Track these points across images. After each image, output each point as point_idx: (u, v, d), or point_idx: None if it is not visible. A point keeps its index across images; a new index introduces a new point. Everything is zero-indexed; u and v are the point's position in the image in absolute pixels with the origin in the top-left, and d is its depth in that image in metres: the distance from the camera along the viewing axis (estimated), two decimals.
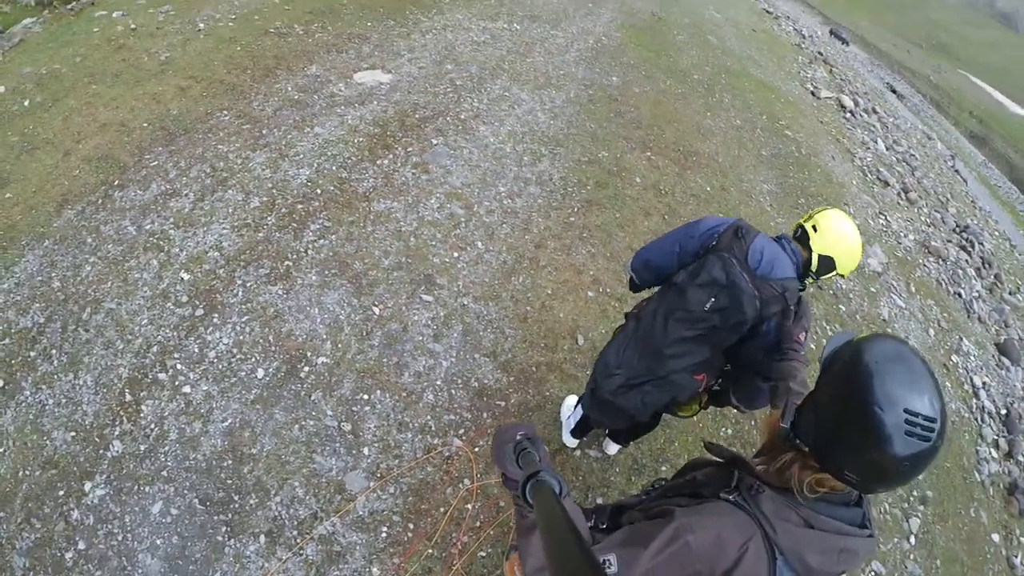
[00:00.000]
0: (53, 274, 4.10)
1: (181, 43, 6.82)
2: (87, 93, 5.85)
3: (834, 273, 2.69)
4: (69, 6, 8.07)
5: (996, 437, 6.99)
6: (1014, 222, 33.81)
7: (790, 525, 1.32)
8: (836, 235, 2.64)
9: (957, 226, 13.80)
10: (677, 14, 15.48)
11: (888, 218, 10.25)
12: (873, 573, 4.53)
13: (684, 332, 2.65)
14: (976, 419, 7.00)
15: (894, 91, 47.63)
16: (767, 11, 24.53)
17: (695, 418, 4.17)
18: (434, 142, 6.07)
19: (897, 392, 1.19)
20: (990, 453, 6.67)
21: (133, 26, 7.08)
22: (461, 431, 3.75)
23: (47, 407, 3.47)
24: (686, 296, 2.63)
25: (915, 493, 5.30)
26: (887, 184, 12.11)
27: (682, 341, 2.66)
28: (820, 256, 2.64)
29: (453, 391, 3.95)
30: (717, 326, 2.58)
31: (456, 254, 4.91)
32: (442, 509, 3.34)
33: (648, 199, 6.56)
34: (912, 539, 5.01)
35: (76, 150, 5.12)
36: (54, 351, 3.72)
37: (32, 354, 3.70)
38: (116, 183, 4.83)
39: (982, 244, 13.96)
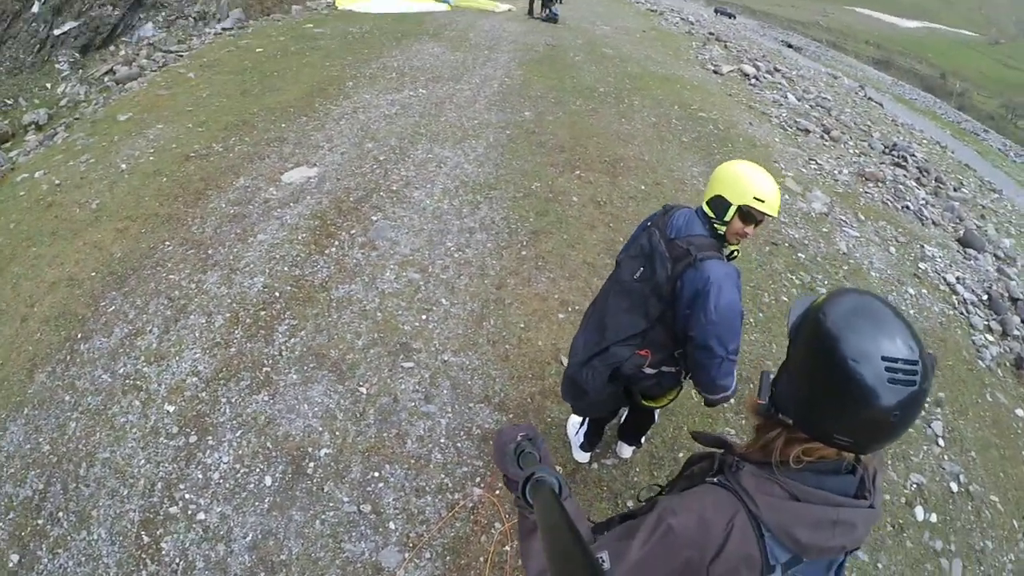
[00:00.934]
0: (40, 439, 4.05)
1: (108, 187, 6.85)
2: (29, 256, 5.84)
3: (735, 210, 2.61)
4: None
5: (986, 322, 7.22)
6: (938, 126, 34.76)
7: (773, 499, 1.25)
8: (716, 175, 2.68)
9: (885, 147, 14.23)
10: (569, 38, 15.95)
11: (819, 161, 10.58)
12: (914, 484, 4.59)
13: (621, 303, 2.86)
14: (962, 313, 7.22)
15: (790, 46, 49.39)
16: (651, 10, 25.36)
17: (712, 408, 4.23)
18: (374, 219, 6.17)
19: (868, 345, 1.15)
20: (986, 338, 6.87)
21: (57, 182, 7.10)
22: (478, 479, 3.77)
23: (68, 570, 3.40)
24: (620, 268, 2.93)
25: (928, 399, 5.36)
26: (808, 132, 12.50)
27: (619, 312, 2.84)
28: (709, 200, 2.67)
29: (459, 444, 3.97)
30: (645, 294, 2.74)
31: (424, 316, 4.98)
32: (481, 559, 3.33)
33: (590, 213, 6.73)
34: (940, 441, 5.13)
35: (32, 314, 5.11)
36: (61, 513, 3.66)
37: (40, 522, 3.64)
38: (79, 336, 4.81)
39: (914, 155, 14.49)
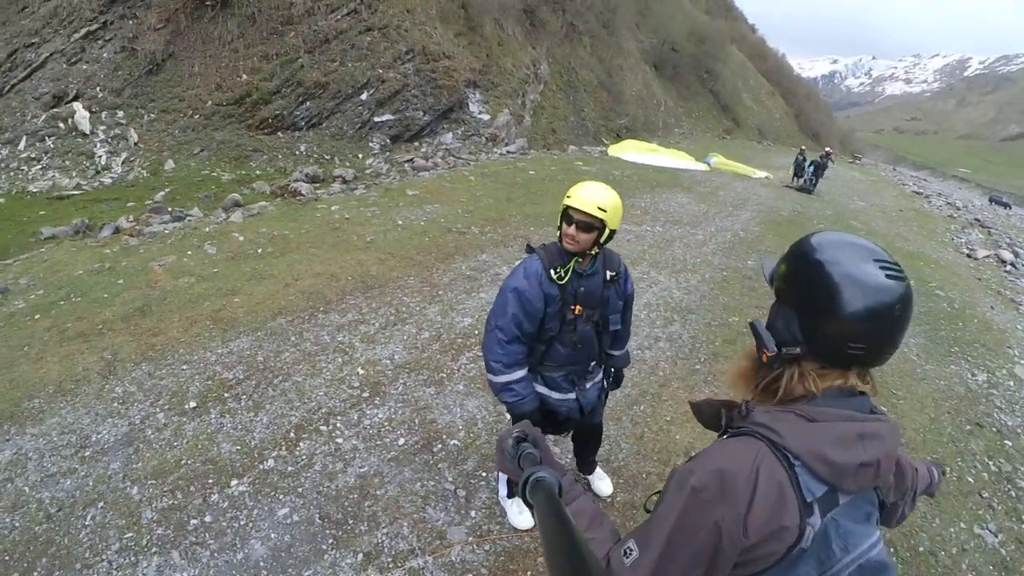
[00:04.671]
0: (259, 352, 5.31)
1: (383, 231, 8.71)
2: (307, 252, 7.68)
3: (560, 215, 2.72)
4: (298, 198, 10.68)
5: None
6: None
7: (792, 425, 1.15)
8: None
9: None
10: (818, 208, 15.75)
11: None
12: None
13: None
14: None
15: None
16: (917, 192, 23.92)
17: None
18: None
19: (860, 257, 1.17)
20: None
21: (347, 216, 9.21)
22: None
23: (224, 428, 4.30)
24: None
25: None
26: None
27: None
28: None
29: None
30: None
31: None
32: (529, 573, 3.38)
33: None
34: None
35: (294, 284, 6.72)
36: (243, 396, 4.69)
37: (226, 395, 4.70)
38: (321, 309, 6.19)
39: None
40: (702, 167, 19.41)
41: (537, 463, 1.32)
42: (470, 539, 3.53)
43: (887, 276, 1.14)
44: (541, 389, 3.03)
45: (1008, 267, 13.97)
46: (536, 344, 2.92)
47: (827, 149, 19.72)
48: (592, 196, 2.58)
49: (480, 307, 6.60)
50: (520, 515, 3.62)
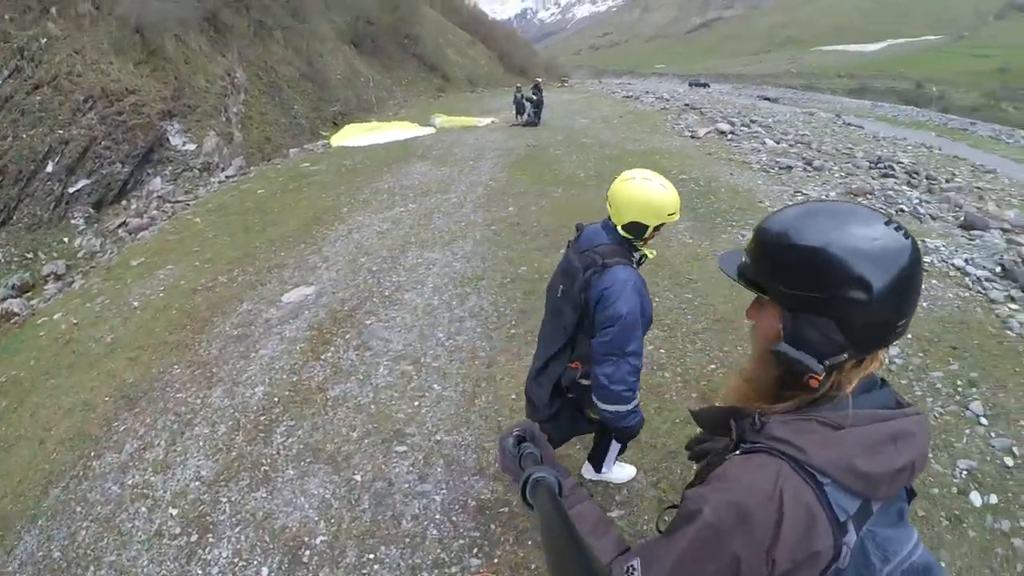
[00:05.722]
0: (52, 547, 4.04)
1: (122, 322, 7.16)
2: (48, 387, 6.06)
3: (653, 227, 2.63)
4: (13, 321, 8.80)
5: (1007, 292, 6.86)
6: (922, 132, 34.58)
7: (816, 436, 1.02)
8: (627, 197, 2.61)
9: (871, 163, 14.31)
10: (548, 136, 16.62)
11: (804, 191, 10.70)
12: (963, 471, 4.17)
13: (551, 321, 2.97)
14: (978, 291, 6.90)
15: (766, 99, 50.40)
16: (627, 97, 26.33)
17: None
18: (367, 323, 6.31)
19: (850, 219, 1.04)
20: (1009, 308, 6.47)
21: (75, 321, 7.46)
22: (475, 550, 3.62)
23: None
24: (549, 290, 3.02)
25: (959, 383, 5.13)
26: (790, 168, 12.67)
27: (549, 330, 2.98)
28: (624, 226, 2.66)
29: (454, 518, 3.83)
30: (564, 308, 2.80)
31: (416, 403, 4.96)
32: None
33: None
34: (983, 420, 4.70)
35: (49, 437, 5.23)
36: None
37: None
38: (92, 454, 4.88)
39: (900, 163, 14.59)
40: (429, 130, 19.58)
41: (538, 463, 1.30)
42: None
43: (893, 229, 1.03)
44: None
45: (729, 136, 15.97)
46: None
47: (536, 80, 20.74)
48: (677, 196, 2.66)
49: (266, 366, 5.80)
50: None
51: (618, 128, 17.83)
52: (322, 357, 5.80)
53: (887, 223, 1.03)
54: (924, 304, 6.50)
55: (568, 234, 8.05)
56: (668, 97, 26.77)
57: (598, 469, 3.81)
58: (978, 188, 13.86)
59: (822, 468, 0.98)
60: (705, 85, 67.03)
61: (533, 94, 19.26)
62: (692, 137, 16.14)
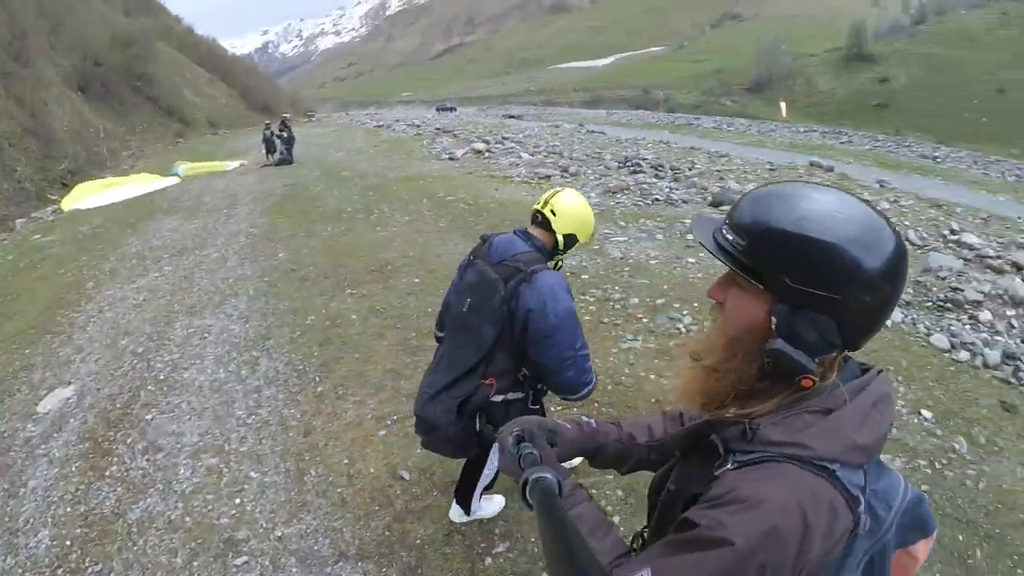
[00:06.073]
0: None
1: None
2: None
3: (577, 245, 2.90)
4: None
5: None
6: (656, 131, 39.13)
7: (814, 428, 0.99)
8: (573, 213, 2.81)
9: (619, 163, 15.58)
10: (305, 173, 16.06)
11: None
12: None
13: (458, 339, 2.85)
14: None
15: (511, 116, 53.68)
16: (378, 126, 26.28)
17: None
18: (148, 418, 5.29)
19: (876, 218, 0.99)
20: None
21: None
22: None
23: None
24: (451, 307, 2.96)
25: None
26: (549, 177, 13.40)
27: (457, 348, 2.83)
28: (564, 235, 2.81)
29: None
30: (476, 324, 2.73)
31: (238, 500, 4.24)
32: None
33: (373, 324, 6.38)
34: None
35: None
36: None
37: None
38: None
39: (645, 159, 16.05)
40: (172, 180, 17.93)
41: (538, 463, 1.26)
42: None
43: (875, 213, 1.00)
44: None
45: (486, 154, 16.50)
46: None
47: (283, 116, 19.98)
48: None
49: (42, 502, 4.53)
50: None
51: (375, 158, 17.71)
52: (107, 473, 4.79)
53: (889, 222, 1.00)
54: (699, 276, 7.30)
55: (351, 272, 7.74)
56: (419, 123, 27.28)
57: (468, 509, 3.57)
58: (717, 171, 15.83)
59: (831, 457, 0.96)
60: (452, 109, 70.09)
61: (281, 131, 18.53)
62: (451, 159, 16.50)
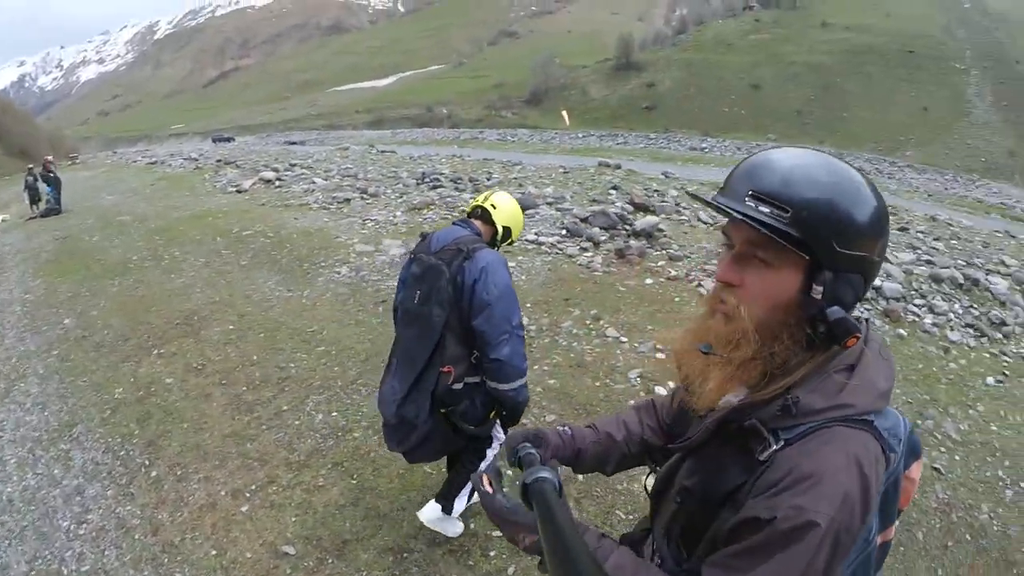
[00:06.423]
0: None
1: None
2: None
3: (510, 240, 3.22)
4: None
5: (578, 246, 9.43)
6: (444, 147, 40.02)
7: (848, 386, 1.01)
8: (510, 209, 3.17)
9: (417, 180, 15.86)
10: (77, 223, 14.35)
11: (372, 218, 11.58)
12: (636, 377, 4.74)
13: (412, 332, 2.90)
14: (558, 251, 9.00)
15: (293, 143, 52.44)
16: (152, 163, 24.32)
17: None
18: None
19: (828, 168, 1.03)
20: (584, 256, 8.92)
21: None
22: None
23: None
24: (402, 300, 3.01)
25: (587, 321, 6.04)
26: (348, 200, 13.24)
27: (413, 340, 2.89)
28: (503, 227, 3.13)
29: None
30: (427, 312, 2.81)
31: None
32: None
33: (194, 384, 5.78)
34: (622, 339, 6.23)
35: None
36: None
37: None
38: None
39: (443, 173, 16.74)
40: None
41: (537, 463, 1.27)
42: None
43: (850, 166, 1.06)
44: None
45: (276, 183, 16.01)
46: None
47: (46, 159, 17.85)
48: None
49: None
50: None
51: (154, 198, 16.28)
52: None
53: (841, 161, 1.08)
54: (523, 277, 7.84)
55: (153, 329, 7.11)
56: (197, 156, 25.63)
57: (449, 508, 3.46)
58: (515, 179, 16.61)
59: (869, 409, 1.00)
60: (230, 139, 66.77)
61: (46, 176, 16.57)
62: (239, 191, 15.69)
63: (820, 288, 1.01)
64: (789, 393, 1.01)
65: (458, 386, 2.88)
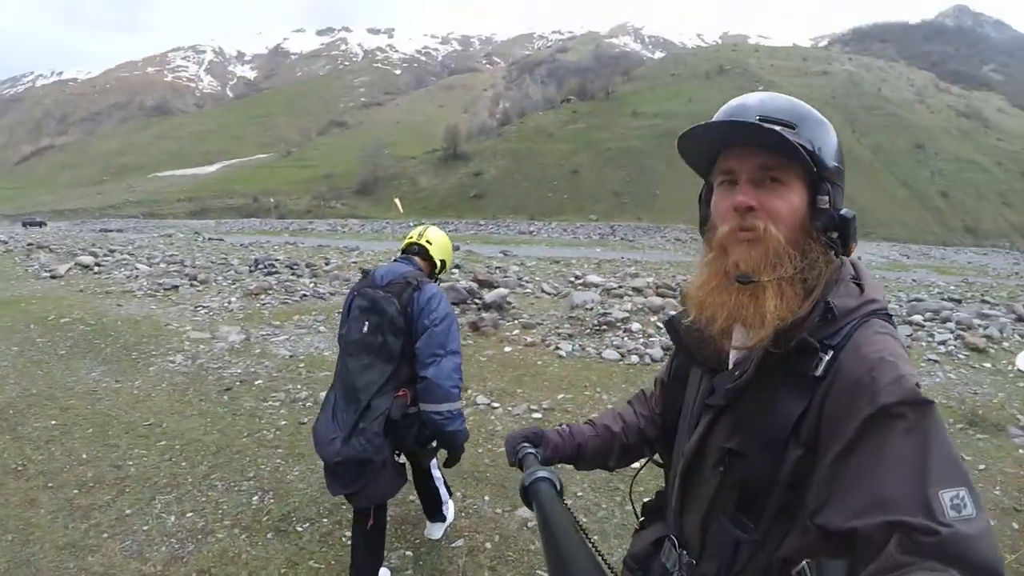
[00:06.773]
0: None
1: None
2: None
3: (445, 270, 3.50)
4: None
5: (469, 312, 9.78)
6: (273, 236, 39.29)
7: (867, 287, 1.09)
8: (443, 242, 3.46)
9: (249, 267, 15.75)
10: None
11: (205, 304, 11.26)
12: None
13: (362, 361, 2.96)
14: None
15: (108, 231, 49.68)
16: None
17: None
18: None
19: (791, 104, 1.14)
20: (476, 312, 8.91)
21: None
22: None
23: None
24: (348, 335, 3.06)
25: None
26: (177, 287, 12.92)
27: (363, 370, 2.95)
28: (440, 260, 3.40)
29: None
30: (380, 341, 2.95)
31: None
32: None
33: (16, 489, 4.66)
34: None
35: None
36: None
37: None
38: None
39: (279, 259, 16.62)
40: None
41: (537, 463, 1.32)
42: None
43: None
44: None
45: (95, 269, 15.33)
46: None
47: None
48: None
49: None
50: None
51: None
52: None
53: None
54: None
55: None
56: (6, 239, 23.55)
57: (444, 516, 3.87)
58: (354, 263, 17.03)
59: (885, 304, 1.09)
60: (42, 224, 61.52)
61: None
62: (53, 277, 14.62)
63: (825, 198, 1.08)
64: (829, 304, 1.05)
65: (412, 410, 2.99)
